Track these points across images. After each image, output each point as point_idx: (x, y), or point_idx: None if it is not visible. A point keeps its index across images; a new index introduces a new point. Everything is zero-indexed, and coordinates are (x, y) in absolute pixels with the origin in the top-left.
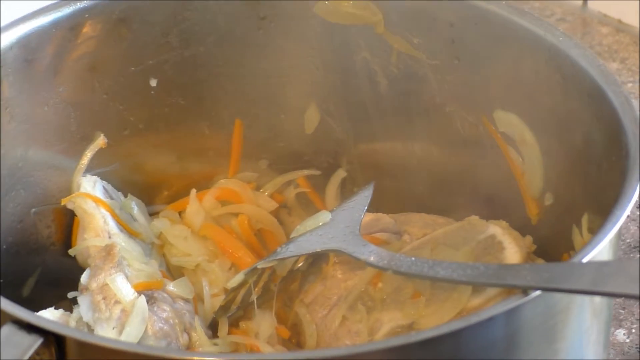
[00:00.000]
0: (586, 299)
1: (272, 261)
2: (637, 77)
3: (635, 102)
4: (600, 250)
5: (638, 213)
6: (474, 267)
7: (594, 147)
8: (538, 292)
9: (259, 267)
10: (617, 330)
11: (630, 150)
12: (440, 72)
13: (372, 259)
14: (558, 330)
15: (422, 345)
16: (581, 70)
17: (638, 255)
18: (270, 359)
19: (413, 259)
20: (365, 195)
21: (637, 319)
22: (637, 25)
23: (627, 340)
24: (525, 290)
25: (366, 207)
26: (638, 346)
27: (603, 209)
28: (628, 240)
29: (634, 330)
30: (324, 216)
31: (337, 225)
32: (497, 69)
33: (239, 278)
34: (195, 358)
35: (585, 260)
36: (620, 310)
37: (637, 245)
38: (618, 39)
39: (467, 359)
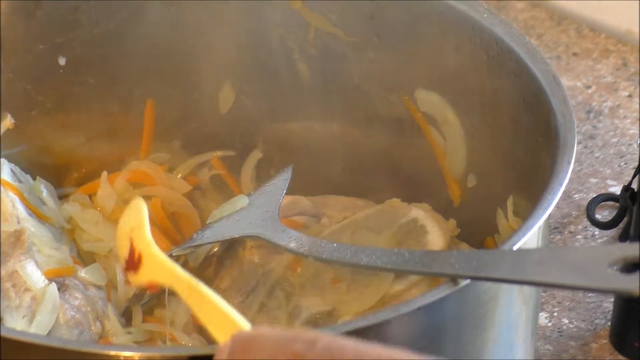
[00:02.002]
0: (515, 286)
1: (188, 248)
2: (554, 54)
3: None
4: (531, 236)
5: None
6: (398, 253)
7: (520, 127)
8: (467, 281)
9: (174, 254)
10: (539, 314)
11: (559, 132)
12: (359, 50)
13: (292, 245)
14: (488, 319)
15: (348, 336)
16: (506, 48)
17: (558, 236)
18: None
19: (335, 245)
20: (284, 179)
21: (558, 302)
22: (553, 0)
23: (549, 324)
24: (454, 279)
25: (285, 191)
26: (559, 330)
27: (529, 191)
28: (549, 222)
29: (555, 314)
30: (241, 201)
31: (255, 210)
32: (418, 47)
33: None
34: (112, 352)
35: (515, 247)
36: (542, 294)
37: (558, 226)
38: (534, 14)
39: None
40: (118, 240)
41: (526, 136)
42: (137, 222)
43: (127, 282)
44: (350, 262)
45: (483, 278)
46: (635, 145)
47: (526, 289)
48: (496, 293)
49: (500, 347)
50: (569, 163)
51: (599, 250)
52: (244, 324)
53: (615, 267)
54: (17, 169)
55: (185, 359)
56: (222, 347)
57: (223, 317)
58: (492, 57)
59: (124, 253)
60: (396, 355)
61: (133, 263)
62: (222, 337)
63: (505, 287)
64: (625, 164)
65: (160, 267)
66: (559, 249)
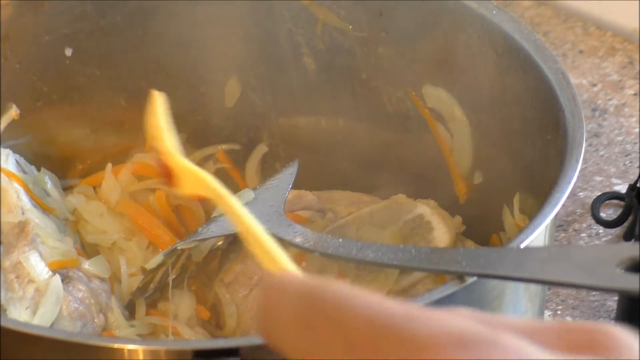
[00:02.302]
0: (522, 284)
1: (192, 242)
2: (560, 51)
3: None
4: (538, 234)
5: None
6: (405, 250)
7: (528, 125)
8: (474, 279)
9: (178, 247)
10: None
11: (568, 130)
12: (367, 46)
13: (297, 240)
14: None
15: None
16: (515, 45)
17: (563, 234)
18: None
19: (340, 240)
20: (289, 173)
21: (562, 300)
22: None
23: None
24: (460, 276)
25: (291, 186)
26: None
27: (536, 189)
28: None
29: (559, 312)
30: (246, 195)
31: (260, 204)
32: (426, 43)
33: (158, 259)
34: (116, 345)
35: (522, 245)
36: (546, 292)
37: (562, 224)
38: (540, 11)
39: None
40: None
41: (534, 134)
42: (156, 130)
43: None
44: (355, 258)
45: (490, 276)
46: None
47: (532, 287)
48: (502, 291)
49: None
50: (578, 161)
51: (607, 250)
52: (281, 257)
53: (622, 267)
54: (21, 160)
55: (190, 353)
56: (259, 293)
57: (256, 238)
58: (501, 54)
59: (158, 167)
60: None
61: (167, 175)
62: (258, 256)
63: (511, 285)
64: (630, 162)
65: (192, 177)
66: (566, 248)
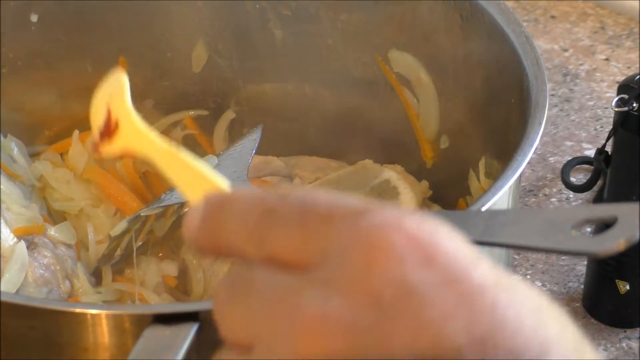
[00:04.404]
0: (486, 247)
1: (156, 208)
2: (532, 17)
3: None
4: (501, 196)
5: (533, 156)
6: None
7: (493, 89)
8: None
9: (142, 214)
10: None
11: (531, 93)
12: (333, 11)
13: None
14: None
15: None
16: (480, 9)
17: (533, 199)
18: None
19: None
20: (253, 139)
21: (531, 265)
22: None
23: None
24: None
25: (254, 151)
26: None
27: (501, 153)
28: (523, 184)
29: (528, 277)
30: (210, 161)
31: (224, 170)
32: (391, 7)
33: (121, 226)
34: (77, 310)
35: (484, 208)
36: (515, 256)
37: (532, 189)
38: None
39: None
40: (93, 109)
41: (499, 98)
42: (118, 90)
43: (97, 152)
44: None
45: None
46: (611, 109)
47: (496, 250)
48: None
49: None
50: (540, 124)
51: (563, 212)
52: (227, 188)
53: (584, 229)
54: None
55: (150, 317)
56: (194, 208)
57: (206, 183)
58: (466, 19)
59: (98, 121)
60: (372, 206)
61: (108, 131)
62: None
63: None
64: (602, 127)
65: (139, 135)
66: (524, 211)
